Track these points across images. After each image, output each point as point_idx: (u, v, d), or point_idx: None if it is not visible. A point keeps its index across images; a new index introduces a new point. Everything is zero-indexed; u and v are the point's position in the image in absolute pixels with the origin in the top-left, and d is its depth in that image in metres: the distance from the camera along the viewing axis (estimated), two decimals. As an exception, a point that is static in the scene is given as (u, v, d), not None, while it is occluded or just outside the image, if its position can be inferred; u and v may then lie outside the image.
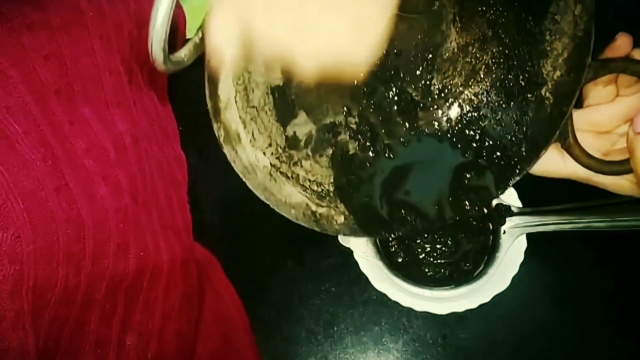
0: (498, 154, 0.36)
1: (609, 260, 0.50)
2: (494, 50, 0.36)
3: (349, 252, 0.46)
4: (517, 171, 0.35)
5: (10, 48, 0.28)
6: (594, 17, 0.30)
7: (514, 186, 0.46)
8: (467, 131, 0.38)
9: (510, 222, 0.45)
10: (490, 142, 0.37)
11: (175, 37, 0.31)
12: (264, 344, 0.49)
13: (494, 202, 0.45)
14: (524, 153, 0.35)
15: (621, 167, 0.33)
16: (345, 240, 0.46)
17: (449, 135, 0.38)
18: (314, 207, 0.35)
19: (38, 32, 0.30)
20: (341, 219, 0.35)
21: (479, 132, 0.37)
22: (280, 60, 0.27)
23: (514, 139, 0.36)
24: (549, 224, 0.43)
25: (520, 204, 0.46)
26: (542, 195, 0.46)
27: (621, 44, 0.32)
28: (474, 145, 0.37)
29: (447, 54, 0.37)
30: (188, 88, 0.52)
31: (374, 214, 0.36)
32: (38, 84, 0.29)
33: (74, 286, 0.30)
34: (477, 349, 0.49)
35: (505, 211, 0.45)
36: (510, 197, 0.46)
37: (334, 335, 0.49)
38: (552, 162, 0.36)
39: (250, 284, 0.50)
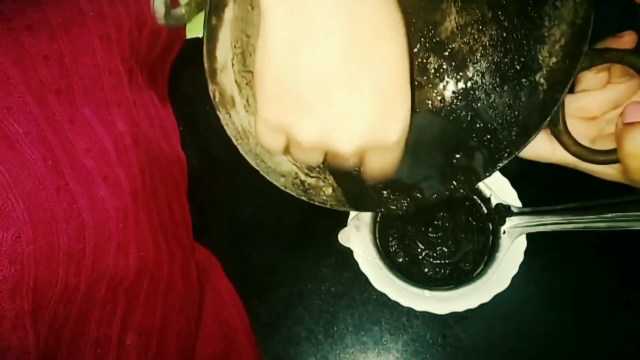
0: (488, 136, 0.36)
1: (608, 260, 0.50)
2: (492, 32, 0.36)
3: (349, 252, 0.46)
4: (506, 154, 0.35)
5: (10, 48, 0.28)
6: (594, 5, 0.30)
7: (514, 186, 0.46)
8: (459, 112, 0.38)
9: (510, 222, 0.45)
10: (482, 124, 0.37)
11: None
12: (264, 344, 0.49)
13: (494, 202, 0.45)
14: (513, 137, 0.35)
15: (608, 157, 0.33)
16: (345, 240, 0.46)
17: (441, 114, 0.38)
18: (303, 177, 0.35)
19: (38, 32, 0.30)
20: (329, 190, 0.35)
21: (471, 113, 0.38)
22: (322, 150, 0.28)
23: (505, 122, 0.36)
24: (549, 224, 0.43)
25: (520, 204, 0.46)
26: (542, 195, 0.46)
27: (627, 41, 0.32)
28: (465, 126, 0.37)
29: (446, 33, 0.37)
30: (188, 88, 0.52)
31: (361, 188, 0.36)
32: (38, 84, 0.29)
33: (74, 286, 0.30)
34: (477, 349, 0.49)
35: (505, 211, 0.45)
36: (510, 197, 0.46)
37: (334, 335, 0.49)
38: (541, 147, 0.36)
39: (250, 284, 0.50)
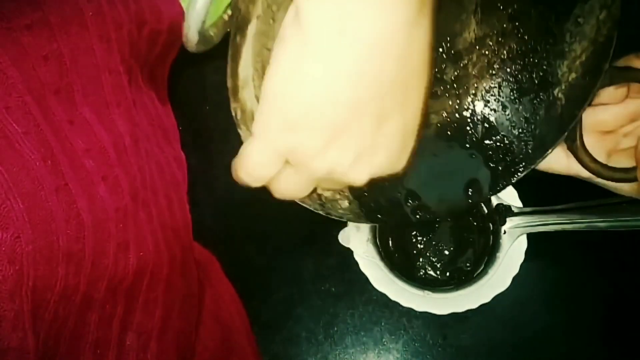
0: (504, 149, 0.36)
1: (609, 260, 0.50)
2: (512, 45, 0.36)
3: (349, 252, 0.46)
4: (522, 168, 0.35)
5: (10, 48, 0.28)
6: (617, 24, 0.30)
7: (514, 186, 0.46)
8: (475, 124, 0.38)
9: (510, 222, 0.45)
10: (497, 137, 0.37)
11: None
12: (264, 344, 0.49)
13: (494, 202, 0.45)
14: (530, 151, 0.35)
15: (626, 175, 0.33)
16: (345, 240, 0.46)
17: (456, 126, 0.38)
18: (319, 190, 0.35)
19: (38, 32, 0.30)
20: (345, 203, 0.35)
21: (487, 125, 0.37)
22: (331, 181, 0.27)
23: (521, 136, 0.36)
24: (549, 224, 0.43)
25: (520, 204, 0.46)
26: (542, 195, 0.46)
27: None
28: (481, 138, 0.37)
29: (465, 44, 0.37)
30: (188, 88, 0.52)
31: (377, 200, 0.36)
32: (38, 84, 0.29)
33: (73, 286, 0.30)
34: (478, 349, 0.49)
35: (505, 211, 0.45)
36: (510, 197, 0.46)
37: (334, 335, 0.49)
38: (557, 162, 0.36)
39: (250, 284, 0.50)
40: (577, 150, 0.33)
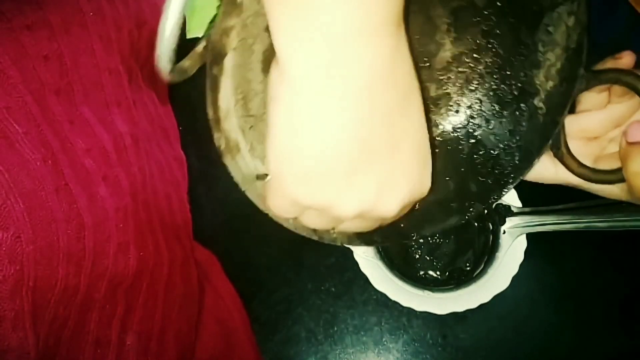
0: (492, 163, 0.36)
1: (608, 260, 0.50)
2: (488, 60, 0.36)
3: (349, 252, 0.46)
4: (511, 180, 0.35)
5: (10, 48, 0.28)
6: (587, 29, 0.30)
7: (514, 186, 0.46)
8: (460, 140, 0.38)
9: (510, 222, 0.45)
10: (484, 152, 0.37)
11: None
12: (264, 344, 0.49)
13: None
14: (517, 162, 0.35)
15: (613, 176, 0.33)
16: (345, 240, 0.46)
17: (443, 143, 0.38)
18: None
19: (38, 32, 0.30)
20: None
21: (472, 141, 0.38)
22: (362, 220, 0.27)
23: (507, 148, 0.36)
24: (549, 224, 0.43)
25: (520, 204, 0.46)
26: (542, 195, 0.46)
27: (625, 62, 0.32)
28: (468, 154, 0.38)
29: (442, 64, 0.37)
30: (188, 88, 0.52)
31: None
32: (38, 84, 0.29)
33: (74, 286, 0.30)
34: (477, 349, 0.49)
35: (505, 211, 0.45)
36: (510, 197, 0.46)
37: (334, 335, 0.49)
38: (545, 170, 0.36)
39: (250, 284, 0.50)
40: (563, 156, 0.34)
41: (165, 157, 0.43)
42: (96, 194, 0.32)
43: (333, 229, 0.29)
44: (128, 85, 0.37)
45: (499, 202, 0.45)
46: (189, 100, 0.52)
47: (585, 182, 0.34)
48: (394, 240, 0.35)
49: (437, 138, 0.39)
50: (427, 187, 0.27)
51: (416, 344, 0.49)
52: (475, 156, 0.37)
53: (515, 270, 0.45)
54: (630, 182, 0.32)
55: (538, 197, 0.46)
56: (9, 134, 0.27)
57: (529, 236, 0.45)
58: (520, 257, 0.45)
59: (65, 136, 0.31)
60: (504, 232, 0.45)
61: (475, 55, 0.36)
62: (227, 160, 0.30)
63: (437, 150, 0.38)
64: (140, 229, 0.36)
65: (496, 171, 0.36)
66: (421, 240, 0.48)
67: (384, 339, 0.49)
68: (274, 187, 0.25)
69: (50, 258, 0.28)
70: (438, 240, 0.48)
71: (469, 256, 0.47)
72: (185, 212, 0.45)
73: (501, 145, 0.36)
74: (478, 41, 0.36)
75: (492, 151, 0.36)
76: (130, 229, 0.34)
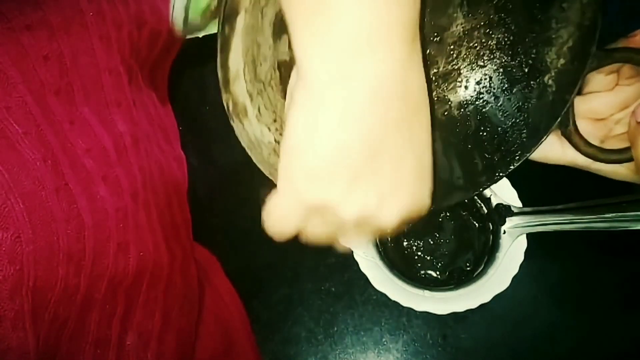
0: (499, 139, 0.36)
1: (608, 260, 0.50)
2: (499, 36, 0.36)
3: (349, 252, 0.46)
4: (517, 157, 0.35)
5: (10, 48, 0.28)
6: (601, 7, 0.30)
7: (514, 186, 0.46)
8: (468, 116, 0.38)
9: (510, 222, 0.45)
10: (491, 128, 0.37)
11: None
12: (264, 344, 0.49)
13: (494, 202, 0.45)
14: (524, 140, 0.35)
15: (621, 156, 0.33)
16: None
17: (450, 119, 0.38)
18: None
19: (38, 32, 0.30)
20: None
21: (480, 117, 0.37)
22: (360, 229, 0.27)
23: (515, 125, 0.36)
24: (549, 224, 0.43)
25: (520, 204, 0.46)
26: (542, 195, 0.46)
27: (637, 41, 0.32)
28: (475, 130, 0.37)
29: (453, 38, 0.37)
30: (188, 88, 0.52)
31: None
32: (38, 84, 0.29)
33: (74, 286, 0.30)
34: (477, 349, 0.49)
35: (505, 211, 0.45)
36: (510, 197, 0.46)
37: (334, 335, 0.49)
38: (552, 149, 0.36)
39: (250, 284, 0.50)
40: (571, 134, 0.34)
41: (165, 157, 0.43)
42: (96, 194, 0.32)
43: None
44: (128, 85, 0.37)
45: (499, 202, 0.45)
46: (189, 100, 0.53)
47: (592, 162, 0.34)
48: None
49: (444, 113, 0.39)
50: (426, 205, 0.27)
51: (416, 344, 0.49)
52: (481, 133, 0.37)
53: (515, 270, 0.45)
54: (638, 162, 0.32)
55: (538, 197, 0.46)
56: (9, 134, 0.27)
57: (529, 236, 0.45)
58: (520, 257, 0.45)
59: (65, 136, 0.31)
60: (504, 232, 0.45)
61: (487, 30, 0.36)
62: (235, 124, 0.30)
63: (443, 126, 0.38)
64: (140, 229, 0.36)
65: (503, 148, 0.36)
66: (421, 241, 0.48)
67: (384, 339, 0.49)
68: (282, 189, 0.26)
69: (50, 258, 0.28)
70: (438, 240, 0.48)
71: (469, 256, 0.47)
72: (185, 212, 0.45)
73: (509, 122, 0.36)
74: (491, 16, 0.36)
75: (499, 128, 0.36)
76: (130, 229, 0.34)
